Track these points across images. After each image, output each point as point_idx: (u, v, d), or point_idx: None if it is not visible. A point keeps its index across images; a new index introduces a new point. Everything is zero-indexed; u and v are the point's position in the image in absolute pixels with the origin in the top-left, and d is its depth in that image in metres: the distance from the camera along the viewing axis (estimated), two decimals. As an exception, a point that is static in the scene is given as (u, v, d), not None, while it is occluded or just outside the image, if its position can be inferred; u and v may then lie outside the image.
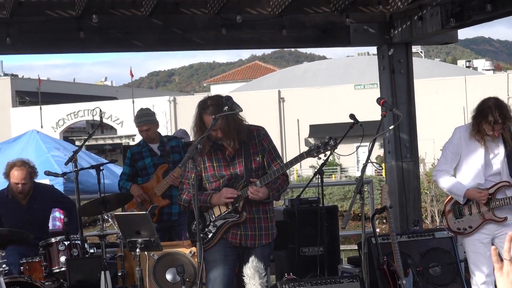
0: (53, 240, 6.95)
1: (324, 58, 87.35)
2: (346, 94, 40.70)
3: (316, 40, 8.20)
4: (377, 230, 8.59)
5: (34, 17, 7.38)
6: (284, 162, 5.27)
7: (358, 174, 24.97)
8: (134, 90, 51.92)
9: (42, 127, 41.14)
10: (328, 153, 5.27)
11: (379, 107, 5.80)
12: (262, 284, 4.91)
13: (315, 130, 40.71)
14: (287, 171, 5.34)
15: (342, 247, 9.47)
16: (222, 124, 5.08)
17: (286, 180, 5.33)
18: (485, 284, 5.78)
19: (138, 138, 8.20)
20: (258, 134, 5.28)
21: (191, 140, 7.66)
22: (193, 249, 6.29)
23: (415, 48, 51.12)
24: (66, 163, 7.30)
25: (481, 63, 71.17)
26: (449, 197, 6.03)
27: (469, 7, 7.15)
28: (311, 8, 7.99)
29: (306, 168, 36.00)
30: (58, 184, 10.85)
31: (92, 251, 7.20)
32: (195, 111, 5.23)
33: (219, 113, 5.00)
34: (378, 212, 6.62)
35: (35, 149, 14.21)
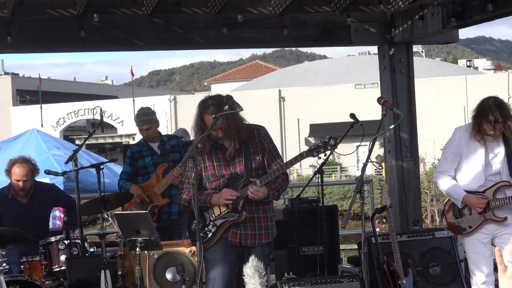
0: (53, 239, 6.95)
1: (324, 57, 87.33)
2: (347, 93, 40.72)
3: (317, 40, 8.20)
4: (377, 229, 8.59)
5: (35, 16, 7.38)
6: (284, 161, 5.27)
7: (358, 173, 24.96)
8: (134, 89, 51.92)
9: (42, 126, 41.15)
10: (328, 152, 5.27)
11: (380, 106, 5.80)
12: (262, 283, 4.91)
13: (315, 129, 40.72)
14: (287, 171, 5.34)
15: (342, 246, 9.47)
16: (223, 123, 5.08)
17: (286, 180, 5.33)
18: (485, 284, 5.78)
19: (138, 137, 8.19)
20: (259, 134, 5.28)
21: (191, 139, 7.66)
22: (193, 248, 6.29)
23: (415, 48, 51.13)
24: (66, 162, 7.30)
25: (482, 63, 71.17)
26: (449, 197, 6.03)
27: (470, 7, 7.15)
28: (312, 7, 7.99)
29: (306, 168, 36.01)
30: (58, 183, 10.83)
31: (92, 250, 7.20)
32: (196, 111, 5.23)
33: (219, 112, 5.00)
34: (378, 212, 6.63)
35: (35, 148, 14.20)
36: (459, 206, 5.87)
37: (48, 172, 7.39)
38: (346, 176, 35.53)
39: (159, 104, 40.65)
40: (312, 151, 5.05)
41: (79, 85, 59.14)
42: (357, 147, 6.65)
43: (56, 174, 7.66)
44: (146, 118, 7.50)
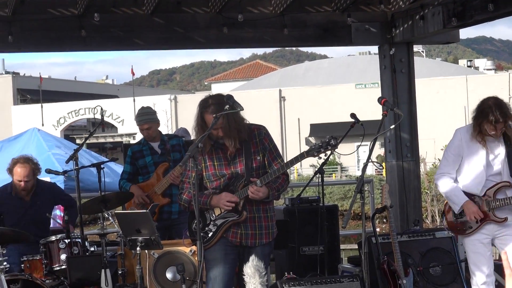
0: (53, 238, 6.95)
1: (325, 57, 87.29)
2: (347, 93, 40.70)
3: (317, 39, 8.20)
4: (378, 229, 8.59)
5: (36, 15, 7.39)
6: (285, 161, 5.27)
7: (359, 173, 24.97)
8: (135, 88, 51.91)
9: (43, 125, 41.14)
10: (328, 152, 5.27)
11: (380, 106, 5.81)
12: (262, 283, 4.91)
13: (316, 129, 40.71)
14: (287, 170, 5.34)
15: (342, 246, 9.47)
16: (223, 123, 5.08)
17: (286, 180, 5.34)
18: (485, 284, 5.78)
19: (139, 137, 8.21)
20: (259, 133, 5.29)
21: (192, 138, 7.66)
22: (193, 247, 6.29)
23: (416, 48, 51.13)
24: (67, 161, 7.31)
25: (483, 63, 71.18)
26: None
27: (471, 7, 7.15)
28: (313, 7, 8.00)
29: (306, 167, 36.01)
30: (59, 182, 10.83)
31: (92, 249, 7.21)
32: (196, 110, 5.23)
33: (220, 112, 5.00)
34: (378, 212, 6.63)
35: (36, 147, 14.20)
36: (455, 211, 5.86)
37: (49, 171, 7.40)
38: (346, 176, 35.53)
39: (160, 103, 40.63)
40: (313, 151, 5.05)
41: (79, 85, 59.13)
42: (358, 147, 6.66)
43: (57, 173, 7.66)
44: (146, 117, 7.50)
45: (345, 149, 6.14)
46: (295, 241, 7.55)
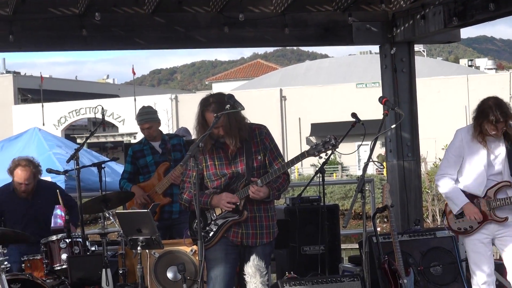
0: (54, 237, 6.96)
1: (326, 56, 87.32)
2: (348, 92, 40.70)
3: (318, 39, 8.20)
4: (378, 229, 8.58)
5: (37, 15, 7.39)
6: (285, 161, 5.27)
7: (359, 173, 24.96)
8: (136, 88, 51.93)
9: (44, 124, 41.15)
10: (329, 152, 5.27)
11: (381, 106, 5.80)
12: (263, 282, 4.92)
13: (316, 128, 40.72)
14: (288, 170, 5.34)
15: (343, 246, 9.46)
16: (224, 121, 5.08)
17: (287, 179, 5.33)
18: (486, 284, 5.78)
19: (140, 136, 8.21)
20: (260, 133, 5.28)
21: (192, 138, 7.66)
22: (194, 247, 6.29)
23: (417, 47, 51.02)
24: (68, 161, 7.31)
25: (484, 62, 71.18)
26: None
27: (472, 6, 7.15)
28: (314, 6, 8.00)
29: (307, 167, 36.01)
30: (60, 181, 10.83)
31: (93, 249, 7.22)
32: (197, 109, 5.23)
33: (221, 110, 5.00)
34: (379, 211, 6.63)
35: (36, 146, 14.20)
36: (454, 212, 5.86)
37: (49, 171, 7.40)
38: (347, 175, 35.53)
39: (161, 103, 40.63)
40: (313, 151, 5.05)
41: (80, 84, 59.15)
42: (359, 146, 6.67)
43: (57, 172, 7.67)
44: (147, 116, 7.50)
45: (346, 148, 6.14)
46: (296, 241, 7.55)
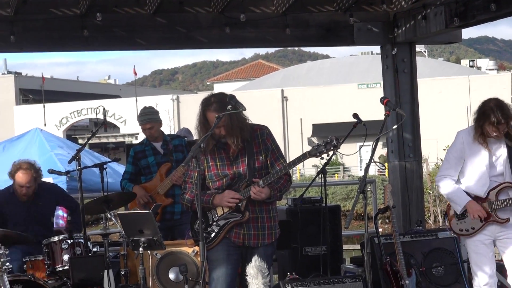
0: (56, 238, 6.96)
1: (327, 57, 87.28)
2: (350, 93, 40.68)
3: (319, 39, 8.20)
4: (380, 230, 8.58)
5: (38, 15, 7.39)
6: (287, 161, 5.27)
7: (361, 173, 24.92)
8: (137, 88, 51.93)
9: (45, 125, 41.20)
10: (331, 152, 5.27)
11: (383, 106, 5.80)
12: (265, 283, 4.92)
13: (318, 129, 40.70)
14: (290, 171, 5.33)
15: (345, 246, 9.46)
16: (226, 121, 5.08)
17: (288, 180, 5.33)
18: (488, 285, 5.77)
19: (141, 137, 8.20)
20: (262, 134, 5.28)
21: (194, 139, 7.66)
22: (196, 248, 6.29)
23: (418, 48, 51.12)
24: (70, 162, 7.31)
25: (485, 63, 71.12)
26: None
27: (473, 7, 7.14)
28: (315, 7, 8.00)
29: (308, 168, 35.98)
30: (61, 182, 10.84)
31: (95, 249, 7.22)
32: (199, 109, 5.23)
33: (222, 109, 5.00)
34: (381, 212, 6.61)
35: (38, 147, 14.20)
36: (457, 211, 5.85)
37: (51, 172, 7.40)
38: (349, 176, 35.55)
39: (162, 103, 40.61)
40: (315, 151, 5.05)
41: (82, 85, 59.16)
42: (360, 147, 6.66)
43: (59, 173, 7.67)
44: (149, 117, 7.50)
45: (347, 149, 6.12)
46: (298, 242, 7.55)
